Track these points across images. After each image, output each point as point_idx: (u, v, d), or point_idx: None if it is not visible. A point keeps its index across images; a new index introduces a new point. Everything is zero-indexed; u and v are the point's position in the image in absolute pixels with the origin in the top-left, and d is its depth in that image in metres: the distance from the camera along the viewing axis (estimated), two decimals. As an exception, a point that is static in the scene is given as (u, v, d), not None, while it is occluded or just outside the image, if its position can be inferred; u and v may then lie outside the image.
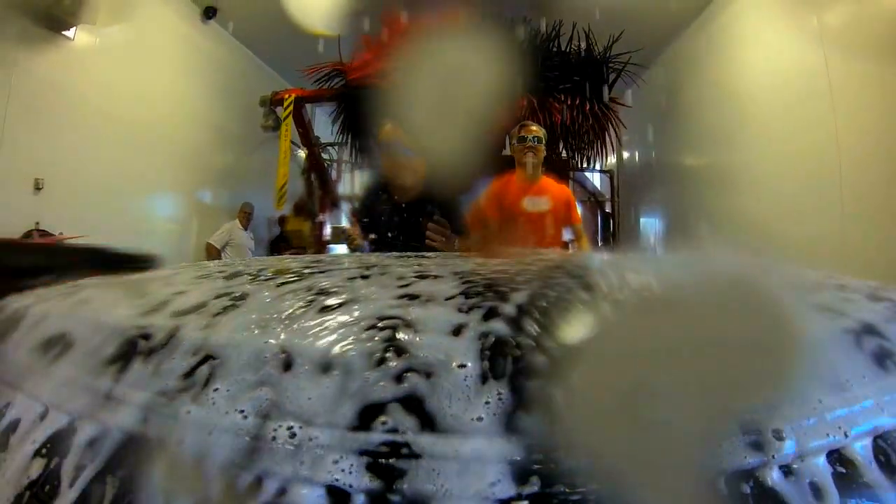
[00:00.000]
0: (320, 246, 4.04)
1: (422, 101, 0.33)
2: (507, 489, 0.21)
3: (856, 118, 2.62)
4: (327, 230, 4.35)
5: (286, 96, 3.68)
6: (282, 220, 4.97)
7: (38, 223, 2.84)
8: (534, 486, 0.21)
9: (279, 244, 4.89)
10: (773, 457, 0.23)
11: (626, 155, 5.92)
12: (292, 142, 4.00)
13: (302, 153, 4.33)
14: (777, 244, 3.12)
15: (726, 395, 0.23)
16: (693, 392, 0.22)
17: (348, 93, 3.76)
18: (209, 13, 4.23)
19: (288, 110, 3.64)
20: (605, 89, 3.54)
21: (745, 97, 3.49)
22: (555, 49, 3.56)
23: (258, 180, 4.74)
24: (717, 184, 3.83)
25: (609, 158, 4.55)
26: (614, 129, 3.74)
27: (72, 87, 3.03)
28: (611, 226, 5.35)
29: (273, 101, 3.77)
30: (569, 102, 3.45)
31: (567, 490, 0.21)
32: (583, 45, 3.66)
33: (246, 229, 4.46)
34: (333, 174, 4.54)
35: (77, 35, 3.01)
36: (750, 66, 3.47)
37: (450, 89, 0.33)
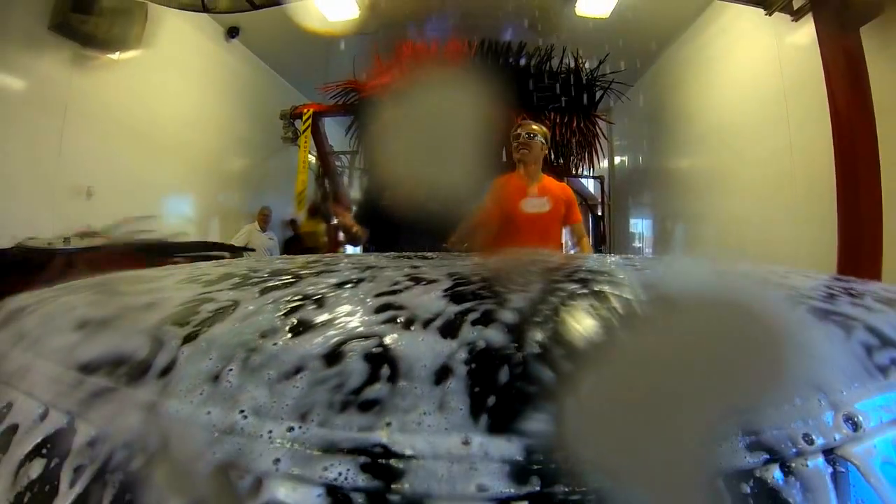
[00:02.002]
0: (335, 246, 4.41)
1: (424, 118, 0.34)
2: (508, 489, 0.21)
3: (807, 130, 2.75)
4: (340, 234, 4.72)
5: (305, 111, 4.00)
6: (293, 223, 5.34)
7: (89, 226, 3.20)
8: (534, 486, 0.21)
9: (292, 244, 5.25)
10: (774, 457, 0.23)
11: (616, 160, 6.15)
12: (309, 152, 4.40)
13: (312, 158, 4.71)
14: (745, 243, 3.32)
15: (727, 397, 0.23)
16: (694, 393, 0.22)
17: (361, 107, 4.14)
18: (232, 33, 4.42)
19: (307, 124, 3.95)
20: (591, 107, 3.87)
21: (719, 109, 3.70)
22: (546, 70, 3.85)
23: (276, 185, 5.00)
24: (696, 188, 4.03)
25: (598, 165, 4.95)
26: (598, 142, 4.09)
27: (117, 102, 3.21)
28: (601, 228, 5.73)
29: (292, 115, 4.11)
30: (558, 120, 3.77)
31: (567, 490, 0.21)
32: (572, 65, 3.96)
33: (264, 231, 4.84)
34: (345, 180, 4.97)
35: (121, 56, 3.23)
36: (723, 82, 3.68)
37: (449, 107, 0.34)
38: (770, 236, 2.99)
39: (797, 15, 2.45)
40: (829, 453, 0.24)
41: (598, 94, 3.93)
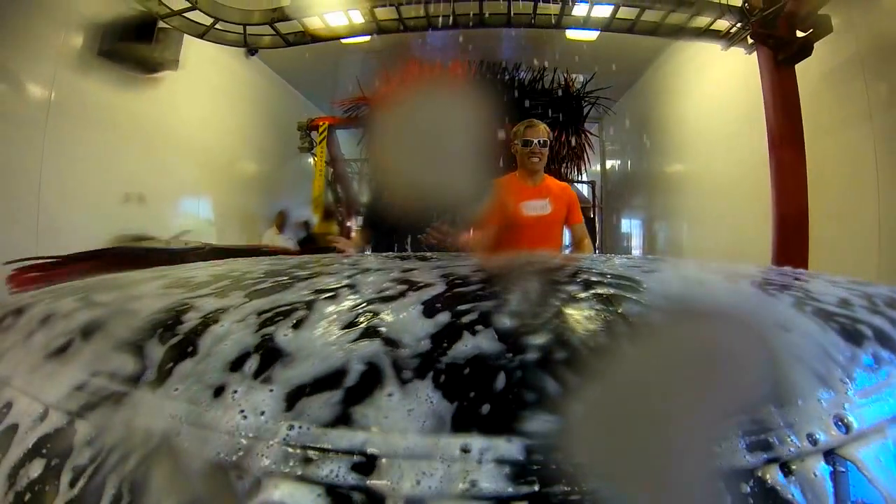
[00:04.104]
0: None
1: (425, 129, 0.35)
2: (507, 489, 0.21)
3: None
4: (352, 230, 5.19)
5: (320, 123, 4.32)
6: (306, 224, 5.81)
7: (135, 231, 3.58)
8: (533, 486, 0.21)
9: (306, 244, 5.71)
10: (774, 457, 0.23)
11: (608, 165, 6.54)
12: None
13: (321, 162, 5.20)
14: (719, 240, 3.67)
15: (727, 398, 0.23)
16: (695, 395, 0.22)
17: (370, 119, 4.51)
18: (252, 50, 5.03)
19: (322, 135, 4.25)
20: (580, 120, 4.28)
21: (696, 121, 4.05)
22: (539, 87, 4.25)
23: (289, 190, 5.37)
24: (678, 191, 4.41)
25: (588, 172, 5.43)
26: (587, 153, 4.52)
27: (156, 116, 3.53)
28: (593, 229, 6.20)
29: (309, 127, 4.44)
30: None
31: (567, 490, 0.21)
32: (562, 82, 4.39)
33: (282, 233, 5.33)
34: (355, 185, 5.37)
35: (159, 76, 3.53)
36: (699, 97, 4.03)
37: (450, 119, 0.36)
38: (741, 235, 3.30)
39: (750, 49, 2.91)
40: (829, 453, 0.24)
41: (586, 109, 4.41)
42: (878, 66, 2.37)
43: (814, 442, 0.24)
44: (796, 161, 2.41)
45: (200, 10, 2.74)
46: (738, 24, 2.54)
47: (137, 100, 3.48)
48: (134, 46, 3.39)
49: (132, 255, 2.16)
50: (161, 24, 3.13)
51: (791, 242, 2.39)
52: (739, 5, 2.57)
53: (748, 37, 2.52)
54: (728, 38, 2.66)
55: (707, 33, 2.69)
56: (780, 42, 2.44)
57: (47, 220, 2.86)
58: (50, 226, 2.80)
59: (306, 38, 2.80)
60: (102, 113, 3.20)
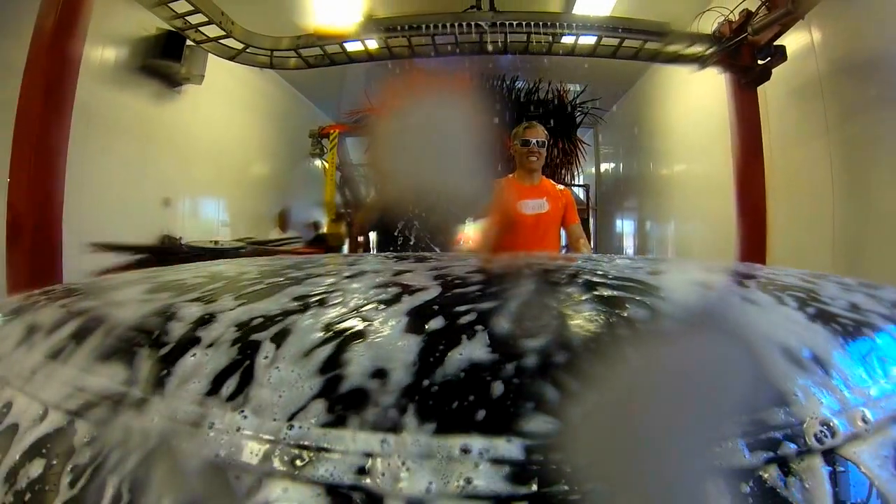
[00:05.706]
0: (354, 246, 5.31)
1: (428, 136, 0.37)
2: (507, 489, 0.21)
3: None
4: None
5: (332, 131, 4.64)
6: (315, 225, 6.18)
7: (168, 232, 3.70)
8: (533, 487, 0.21)
9: (314, 244, 6.07)
10: (774, 457, 0.23)
11: (602, 168, 6.98)
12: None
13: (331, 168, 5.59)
14: (707, 239, 3.97)
15: (727, 399, 0.23)
16: (694, 395, 0.23)
17: (375, 126, 4.86)
18: None
19: (333, 143, 4.56)
20: (573, 130, 4.66)
21: (684, 127, 4.35)
22: (534, 98, 4.63)
23: (299, 192, 5.70)
24: (665, 194, 4.76)
25: (580, 177, 5.80)
26: (579, 160, 4.94)
27: (182, 126, 3.82)
28: (587, 230, 6.56)
29: (320, 134, 4.75)
30: (542, 142, 4.64)
31: (567, 490, 0.21)
32: (557, 92, 4.75)
33: (285, 231, 5.35)
34: (363, 189, 5.80)
35: (184, 88, 3.85)
36: (682, 107, 4.35)
37: (451, 126, 0.37)
38: (724, 233, 3.50)
39: (721, 70, 3.31)
40: (828, 453, 0.24)
41: (578, 118, 4.80)
42: (833, 88, 2.66)
43: (814, 442, 0.24)
44: (756, 171, 2.81)
45: (235, 39, 3.11)
46: (709, 51, 2.94)
47: (164, 111, 3.75)
48: (164, 63, 3.69)
49: (184, 254, 2.55)
50: (188, 42, 3.47)
51: (751, 241, 2.79)
52: (710, 34, 2.98)
53: (717, 62, 2.92)
54: (701, 62, 3.06)
55: (681, 58, 3.09)
56: (742, 68, 2.84)
57: (89, 223, 3.13)
58: (89, 229, 3.07)
59: (325, 60, 3.18)
60: (134, 123, 3.46)
